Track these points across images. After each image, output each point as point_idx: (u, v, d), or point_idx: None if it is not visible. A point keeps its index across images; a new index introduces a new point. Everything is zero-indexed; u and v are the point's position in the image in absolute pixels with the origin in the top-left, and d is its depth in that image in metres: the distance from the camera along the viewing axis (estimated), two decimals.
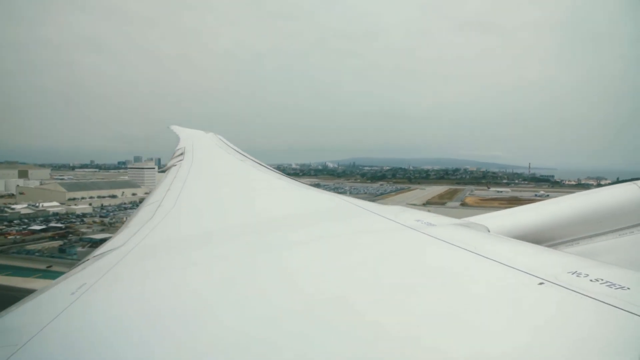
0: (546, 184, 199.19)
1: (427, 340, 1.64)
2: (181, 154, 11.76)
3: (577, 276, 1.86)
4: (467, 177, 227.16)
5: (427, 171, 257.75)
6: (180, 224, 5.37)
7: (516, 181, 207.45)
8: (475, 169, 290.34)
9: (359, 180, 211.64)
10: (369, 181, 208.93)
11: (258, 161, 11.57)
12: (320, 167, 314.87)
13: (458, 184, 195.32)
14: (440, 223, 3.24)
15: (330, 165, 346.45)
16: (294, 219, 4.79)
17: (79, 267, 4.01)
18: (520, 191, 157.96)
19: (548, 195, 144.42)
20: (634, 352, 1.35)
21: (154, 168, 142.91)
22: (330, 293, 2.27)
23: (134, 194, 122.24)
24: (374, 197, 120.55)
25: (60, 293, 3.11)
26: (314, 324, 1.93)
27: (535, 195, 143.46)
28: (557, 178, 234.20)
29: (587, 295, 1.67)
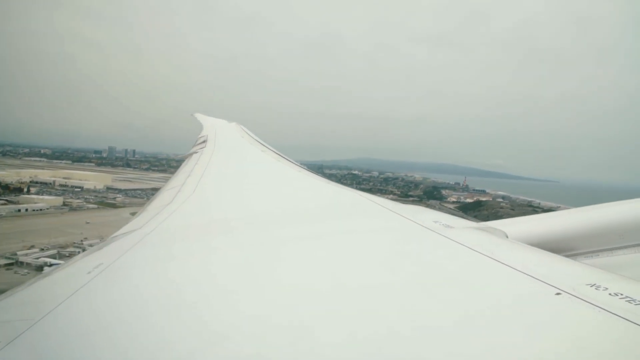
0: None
1: (439, 344, 1.61)
2: (203, 141, 12.30)
3: (596, 289, 1.79)
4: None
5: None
6: (199, 210, 5.39)
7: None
8: (412, 176, 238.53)
9: None
10: None
11: (279, 153, 11.77)
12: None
13: None
14: (458, 225, 3.23)
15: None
16: (312, 212, 4.93)
17: (96, 248, 4.21)
18: None
19: None
20: None
21: None
22: (344, 290, 2.25)
23: None
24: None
25: (77, 271, 3.20)
26: (328, 319, 1.91)
27: None
28: (488, 194, 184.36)
29: (605, 309, 1.60)
